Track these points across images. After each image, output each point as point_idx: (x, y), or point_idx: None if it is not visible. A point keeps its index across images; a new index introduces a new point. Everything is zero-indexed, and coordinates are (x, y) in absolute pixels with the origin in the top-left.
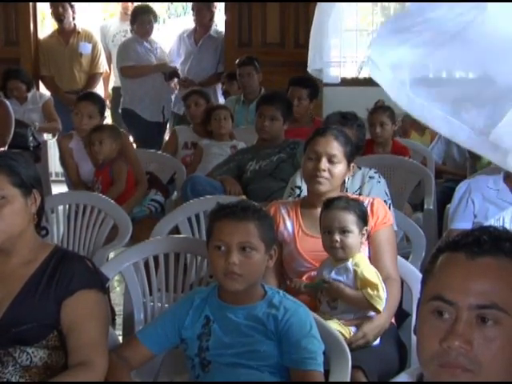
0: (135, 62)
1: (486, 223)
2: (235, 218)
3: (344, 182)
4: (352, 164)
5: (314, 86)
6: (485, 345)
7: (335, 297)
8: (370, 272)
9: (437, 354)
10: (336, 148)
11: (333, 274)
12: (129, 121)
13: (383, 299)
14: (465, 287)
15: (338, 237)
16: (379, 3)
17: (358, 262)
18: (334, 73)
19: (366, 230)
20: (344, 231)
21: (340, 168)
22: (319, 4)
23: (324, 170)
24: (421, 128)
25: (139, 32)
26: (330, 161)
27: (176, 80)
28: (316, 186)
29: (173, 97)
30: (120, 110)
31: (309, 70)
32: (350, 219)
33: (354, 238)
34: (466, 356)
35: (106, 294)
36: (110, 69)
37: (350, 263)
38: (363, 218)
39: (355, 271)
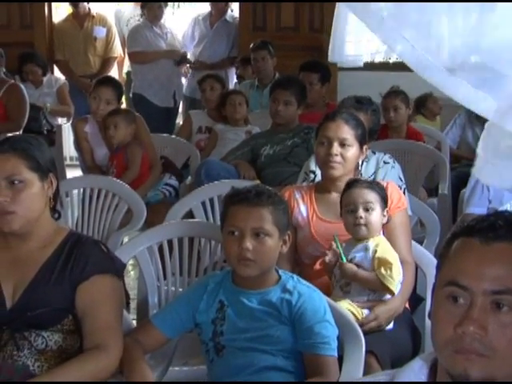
0: (144, 48)
1: (501, 208)
2: (249, 203)
3: (358, 166)
4: (365, 146)
5: (324, 70)
6: (500, 330)
7: (348, 278)
8: (387, 252)
9: (451, 340)
10: (347, 132)
11: (352, 252)
12: (138, 106)
13: (396, 280)
14: (479, 272)
15: (362, 213)
16: None
17: (379, 243)
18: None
19: (387, 212)
20: (367, 209)
21: (352, 151)
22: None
23: (336, 155)
24: (433, 114)
25: (149, 17)
26: (342, 145)
27: (187, 64)
28: (330, 170)
29: (184, 81)
30: (131, 95)
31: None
32: (374, 197)
33: (377, 216)
34: (481, 342)
35: (122, 280)
36: (124, 53)
37: (371, 243)
38: (385, 200)
39: (375, 251)
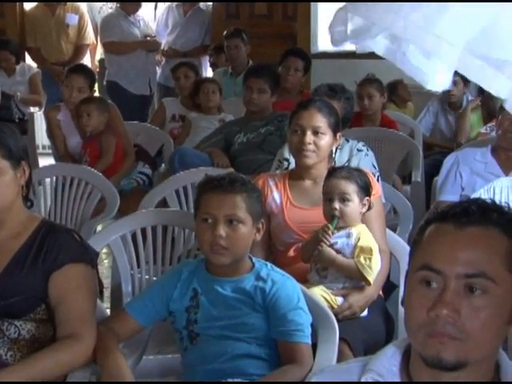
0: (119, 38)
1: (474, 195)
2: (222, 190)
3: (332, 154)
4: (338, 134)
5: (308, 60)
6: (472, 314)
7: (326, 264)
8: (370, 241)
9: (424, 324)
10: (320, 120)
11: (334, 237)
12: (113, 94)
13: (374, 271)
14: (453, 256)
15: (337, 205)
16: None
17: (362, 231)
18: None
19: (368, 200)
20: (344, 199)
21: (326, 139)
22: None
23: (309, 143)
24: (403, 100)
25: (128, 8)
26: (315, 133)
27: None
28: (303, 159)
29: (158, 69)
30: (104, 83)
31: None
32: (351, 188)
33: (354, 206)
34: (454, 325)
35: (95, 268)
36: (96, 40)
37: (354, 231)
38: (365, 189)
39: (358, 239)
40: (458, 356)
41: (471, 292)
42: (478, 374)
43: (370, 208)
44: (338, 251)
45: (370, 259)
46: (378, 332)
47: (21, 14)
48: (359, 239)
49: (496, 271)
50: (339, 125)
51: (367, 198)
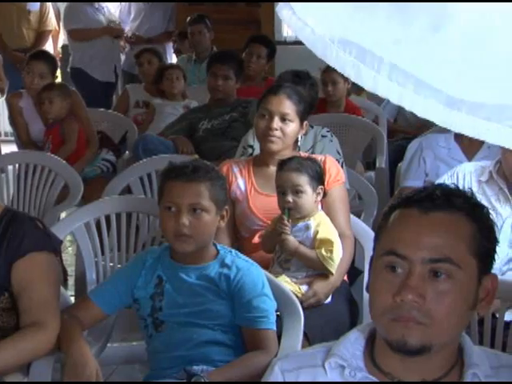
0: (84, 25)
1: (438, 181)
2: (186, 178)
3: (297, 140)
4: (305, 122)
5: (273, 47)
6: (437, 298)
7: (289, 253)
8: (329, 233)
9: (390, 308)
10: (288, 107)
11: (293, 231)
12: (78, 80)
13: (336, 262)
14: (417, 241)
15: (290, 197)
16: None
17: (320, 222)
18: None
19: (322, 189)
20: (297, 192)
21: (292, 127)
22: None
23: (276, 129)
24: (360, 87)
25: None
26: (283, 119)
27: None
28: (268, 144)
29: (122, 56)
30: (69, 69)
31: None
32: (302, 180)
33: (307, 198)
34: (419, 309)
35: (59, 256)
36: (59, 26)
37: (312, 222)
38: (317, 178)
39: (316, 232)
40: (422, 340)
41: (436, 277)
42: (442, 357)
43: (325, 195)
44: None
45: (331, 251)
46: (342, 317)
47: None
48: (318, 232)
49: (460, 256)
50: (307, 113)
51: (321, 186)
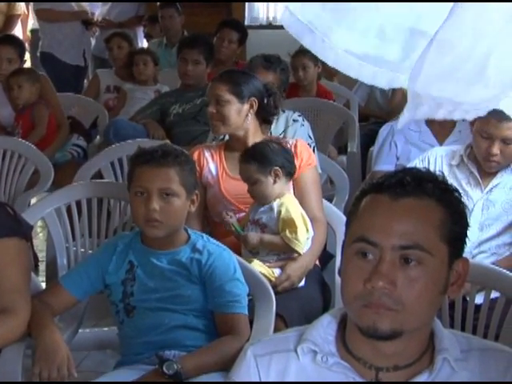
0: (52, 6)
1: (409, 165)
2: (155, 163)
3: (269, 123)
4: (252, 98)
5: (244, 32)
6: (408, 285)
7: (255, 247)
8: (292, 212)
9: (361, 295)
10: (219, 88)
11: (256, 215)
12: (48, 64)
13: (302, 241)
14: (388, 228)
15: (250, 187)
16: None
17: (283, 202)
18: None
19: (275, 170)
20: (251, 183)
21: (228, 108)
22: None
23: (212, 113)
24: (331, 74)
25: None
26: (217, 102)
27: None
28: (213, 129)
29: (93, 40)
30: (38, 54)
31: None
32: (251, 170)
33: (263, 185)
34: (390, 296)
35: (29, 242)
36: (27, 10)
37: (275, 204)
38: (266, 164)
39: (279, 212)
40: (393, 326)
41: (407, 263)
42: (414, 342)
43: (277, 177)
44: (264, 225)
45: (295, 232)
46: (315, 301)
47: None
48: (281, 212)
49: (431, 242)
50: (252, 90)
51: (275, 167)
